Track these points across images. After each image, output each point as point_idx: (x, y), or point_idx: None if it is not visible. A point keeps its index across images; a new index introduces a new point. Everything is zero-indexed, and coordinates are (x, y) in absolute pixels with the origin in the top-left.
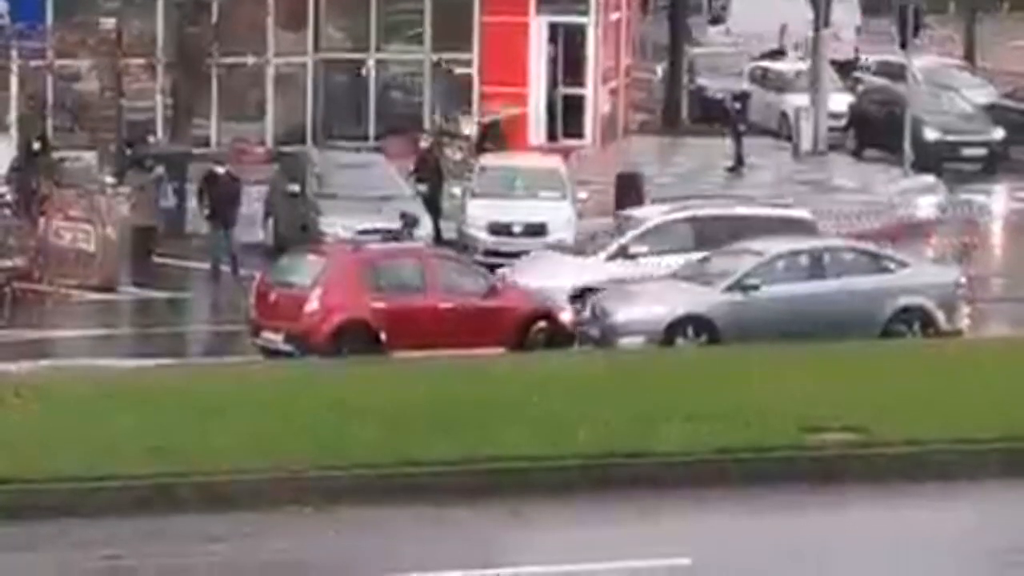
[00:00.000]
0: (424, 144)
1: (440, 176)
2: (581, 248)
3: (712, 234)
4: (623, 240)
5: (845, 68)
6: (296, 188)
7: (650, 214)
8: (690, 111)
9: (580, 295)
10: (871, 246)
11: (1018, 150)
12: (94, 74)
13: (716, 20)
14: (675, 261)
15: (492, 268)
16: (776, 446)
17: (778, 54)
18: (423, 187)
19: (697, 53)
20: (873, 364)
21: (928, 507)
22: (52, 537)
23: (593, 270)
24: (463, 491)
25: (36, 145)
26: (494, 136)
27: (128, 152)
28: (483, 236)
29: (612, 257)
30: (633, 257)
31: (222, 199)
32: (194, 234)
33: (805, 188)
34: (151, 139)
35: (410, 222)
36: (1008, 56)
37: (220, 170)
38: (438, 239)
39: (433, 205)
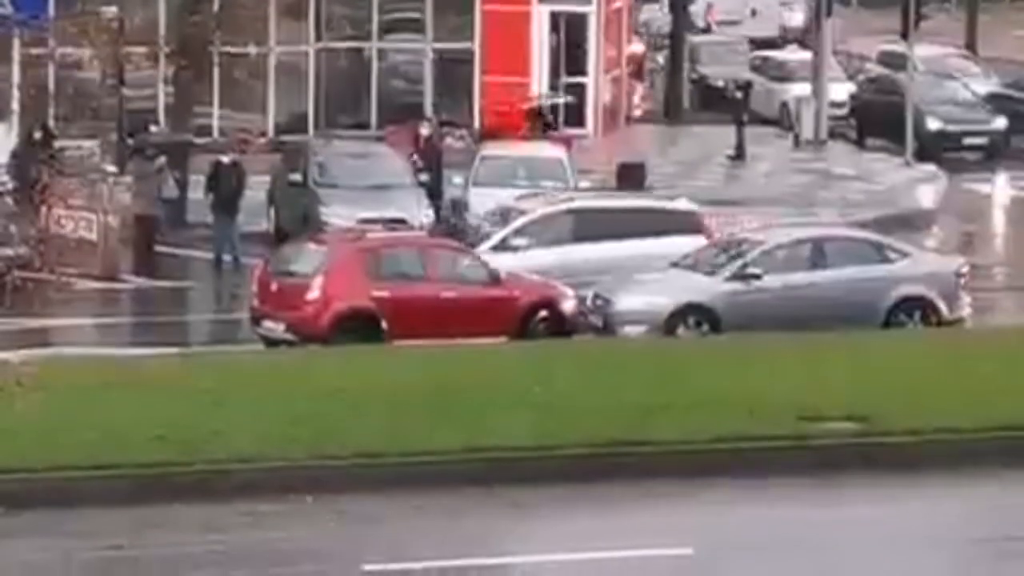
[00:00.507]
0: (425, 132)
1: (440, 165)
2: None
3: (591, 227)
4: (504, 232)
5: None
6: (298, 177)
7: (533, 206)
8: (691, 100)
9: None
10: (873, 235)
11: (1019, 139)
12: (96, 63)
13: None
14: (555, 254)
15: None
16: (777, 435)
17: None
18: (424, 176)
19: (699, 42)
20: (874, 353)
21: (928, 496)
22: (54, 526)
23: None
24: (464, 480)
25: (37, 134)
26: (537, 123)
27: (130, 141)
28: (485, 225)
29: (495, 249)
30: (514, 249)
31: (227, 189)
32: (196, 223)
33: (806, 177)
34: (152, 128)
35: (459, 207)
36: (1010, 45)
37: (225, 159)
38: (439, 228)
39: (434, 194)
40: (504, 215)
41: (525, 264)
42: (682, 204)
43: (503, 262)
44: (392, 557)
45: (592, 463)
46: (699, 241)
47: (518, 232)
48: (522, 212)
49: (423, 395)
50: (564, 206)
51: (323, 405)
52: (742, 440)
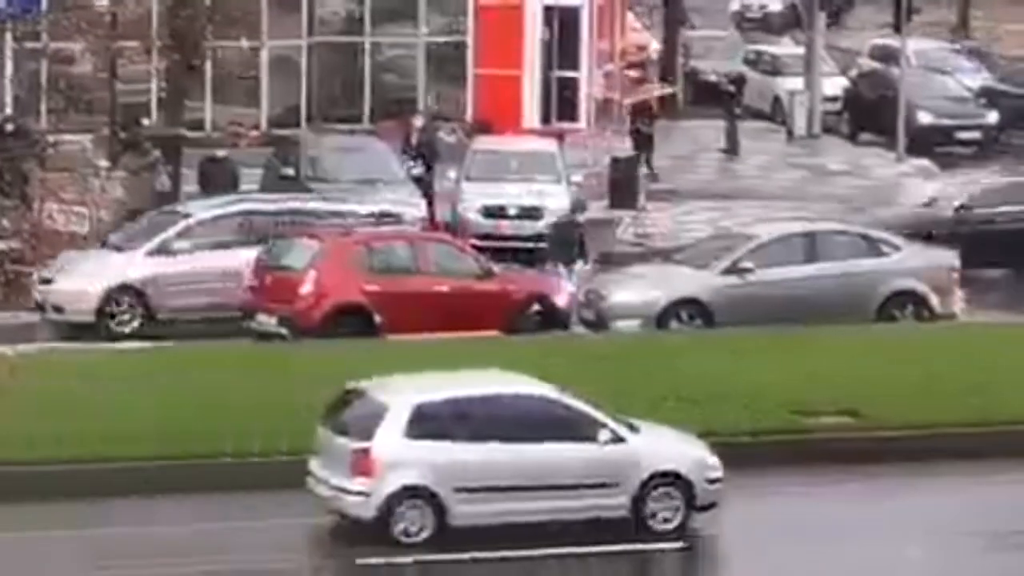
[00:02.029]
0: (417, 125)
1: (434, 159)
2: (123, 244)
3: (263, 228)
4: (166, 235)
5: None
6: (291, 171)
7: (202, 208)
8: (685, 94)
9: (115, 296)
10: (865, 229)
11: (1012, 134)
12: (88, 57)
13: None
14: (223, 256)
15: (485, 251)
16: (770, 429)
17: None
18: (417, 170)
19: (692, 36)
20: (867, 347)
21: (922, 490)
22: (51, 518)
23: (133, 267)
24: None
25: (9, 127)
26: (646, 116)
27: (122, 135)
28: (478, 219)
29: (152, 253)
30: (174, 253)
31: (219, 183)
32: None
33: (799, 172)
34: (145, 122)
35: (578, 207)
36: (1002, 40)
37: (220, 154)
38: (432, 222)
39: (426, 188)
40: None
41: (187, 269)
42: (380, 206)
43: (161, 268)
44: (386, 550)
45: None
46: None
47: (183, 235)
48: (187, 215)
49: None
50: (238, 207)
51: (316, 399)
52: (735, 434)
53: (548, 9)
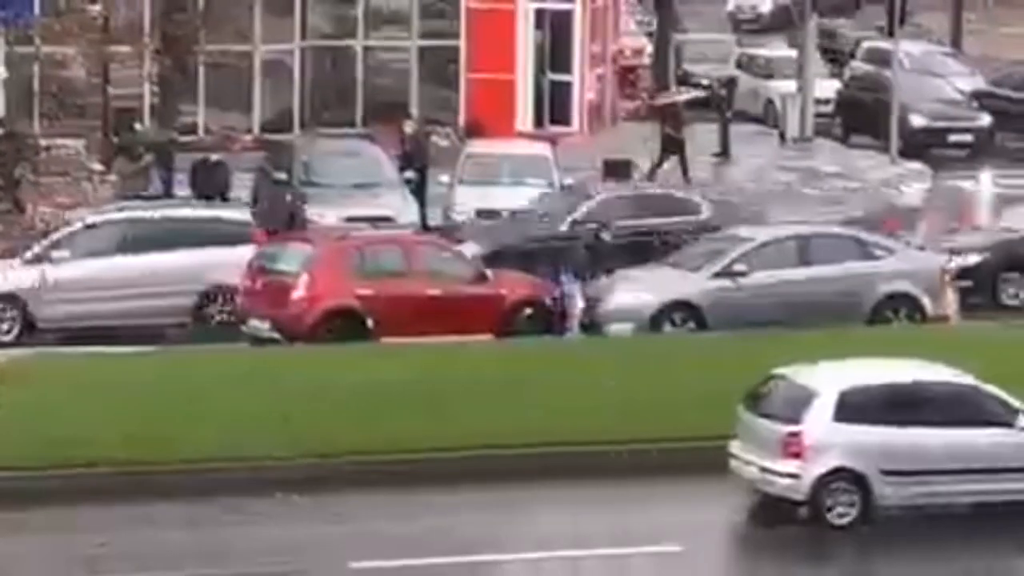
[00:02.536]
0: (409, 131)
1: (426, 163)
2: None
3: (142, 237)
4: (44, 244)
5: None
6: (283, 176)
7: (82, 217)
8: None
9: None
10: (858, 232)
11: (1004, 136)
12: (80, 61)
13: None
14: (100, 265)
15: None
16: None
17: None
18: (410, 174)
19: (684, 39)
20: (859, 350)
21: None
22: (39, 523)
23: (11, 275)
24: (451, 477)
25: (1, 131)
26: (675, 119)
27: (115, 139)
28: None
29: (30, 261)
30: (53, 261)
31: (211, 187)
32: None
33: (792, 174)
34: (137, 126)
35: (605, 226)
36: (996, 43)
37: (213, 158)
38: (424, 226)
39: (420, 192)
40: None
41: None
42: (237, 213)
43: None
44: (379, 554)
45: (579, 461)
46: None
47: (61, 243)
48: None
49: (409, 393)
50: (115, 216)
51: (309, 403)
52: (728, 438)
53: (540, 12)
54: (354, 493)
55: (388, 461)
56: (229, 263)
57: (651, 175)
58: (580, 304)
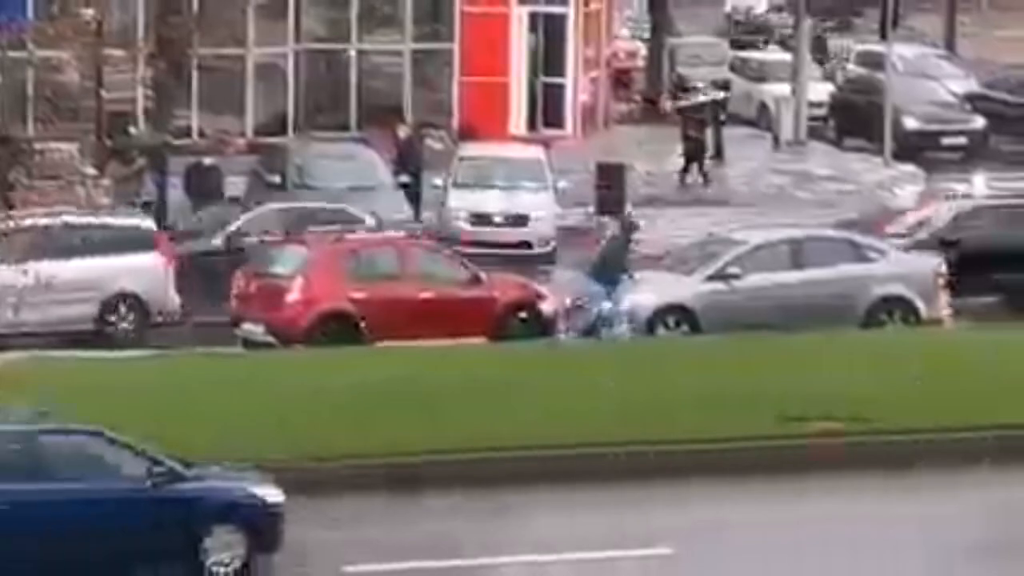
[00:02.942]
0: (402, 134)
1: (420, 166)
2: None
3: (43, 245)
4: None
5: None
6: (277, 179)
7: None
8: (670, 100)
9: None
10: (852, 235)
11: (998, 139)
12: (74, 65)
13: None
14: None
15: (472, 257)
16: (757, 435)
17: None
18: (405, 177)
19: (678, 43)
20: (854, 353)
21: (912, 496)
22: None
23: None
24: (446, 481)
25: None
26: (695, 122)
27: (108, 143)
28: (464, 226)
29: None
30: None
31: (205, 191)
32: (175, 225)
33: (786, 177)
34: (131, 130)
35: (629, 226)
36: (990, 46)
37: (207, 161)
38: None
39: (414, 195)
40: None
41: None
42: (135, 220)
43: None
44: (373, 558)
45: (575, 464)
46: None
47: None
48: None
49: (403, 396)
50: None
51: (303, 406)
52: (722, 440)
53: (534, 16)
54: (350, 496)
55: (384, 464)
56: (132, 270)
57: (682, 180)
58: (605, 306)
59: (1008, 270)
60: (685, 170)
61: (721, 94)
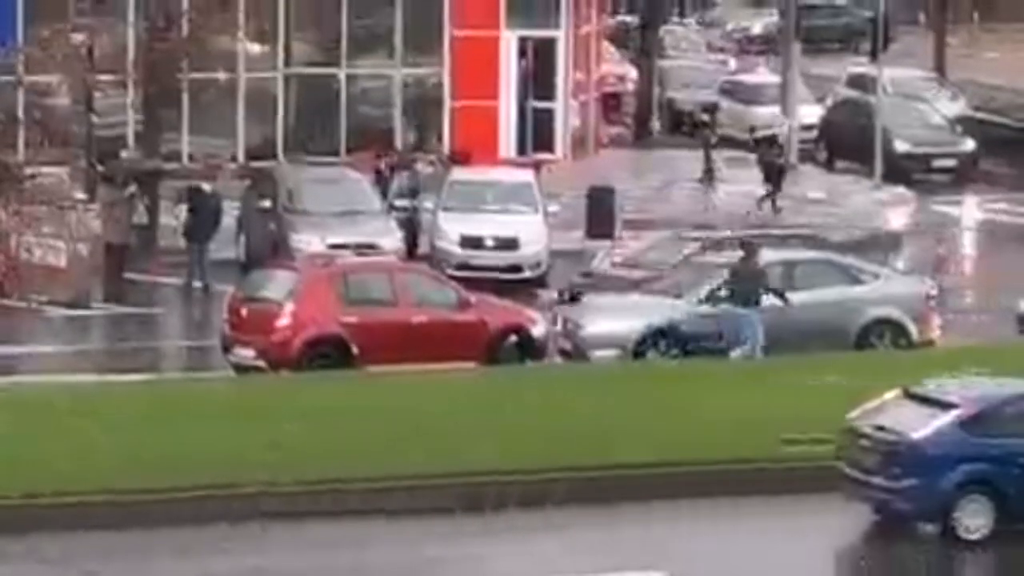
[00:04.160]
0: (387, 160)
1: (417, 190)
2: None
3: None
4: None
5: None
6: (268, 204)
7: None
8: (661, 124)
9: None
10: (843, 258)
11: (988, 162)
12: (64, 89)
13: None
14: None
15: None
16: (753, 457)
17: None
18: (404, 202)
19: (668, 66)
20: (846, 375)
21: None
22: (25, 553)
23: None
24: (435, 505)
25: None
26: (775, 147)
27: (99, 168)
28: (455, 250)
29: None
30: None
31: (204, 215)
32: (166, 250)
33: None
34: (122, 154)
35: (750, 248)
36: (979, 68)
37: (205, 186)
38: (410, 254)
39: (411, 220)
40: None
41: None
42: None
43: None
44: None
45: (565, 486)
46: None
47: None
48: None
49: (394, 421)
50: None
51: (294, 431)
52: (717, 462)
53: (524, 40)
54: (341, 522)
55: (376, 490)
56: None
57: (773, 206)
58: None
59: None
60: (770, 195)
61: (788, 123)
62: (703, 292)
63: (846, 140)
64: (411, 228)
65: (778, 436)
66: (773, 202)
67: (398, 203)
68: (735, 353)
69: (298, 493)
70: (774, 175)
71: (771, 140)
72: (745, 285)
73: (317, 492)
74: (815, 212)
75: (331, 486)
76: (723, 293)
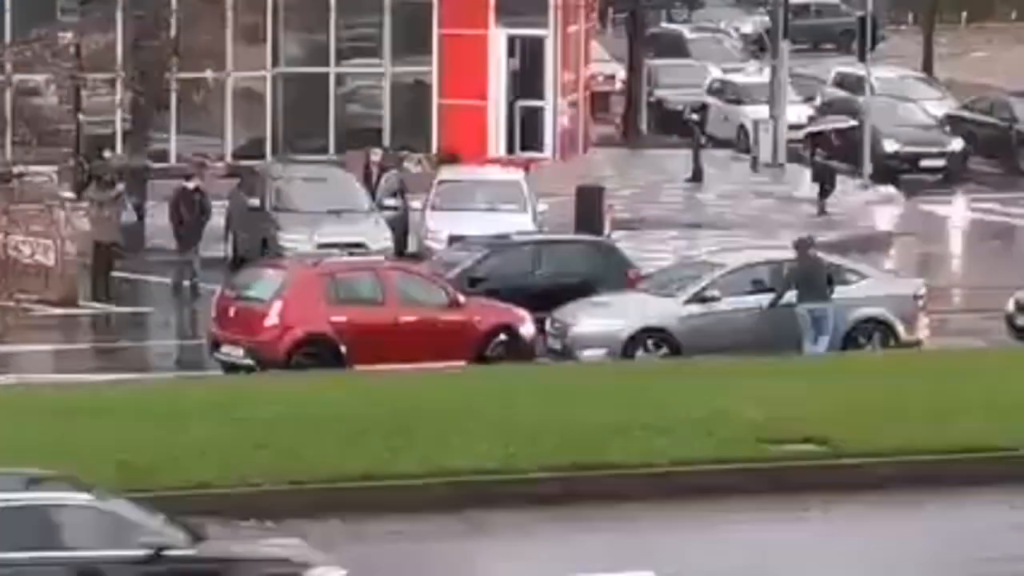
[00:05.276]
0: (374, 159)
1: (405, 189)
2: None
3: None
4: None
5: None
6: (256, 203)
7: None
8: (649, 123)
9: None
10: (831, 257)
11: (976, 161)
12: (52, 88)
13: None
14: None
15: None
16: (736, 457)
17: None
18: (391, 200)
19: (657, 65)
20: (833, 375)
21: (889, 519)
22: None
23: None
24: (426, 505)
25: None
26: (826, 148)
27: (87, 167)
28: (443, 249)
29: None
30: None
31: (191, 214)
32: (154, 249)
33: (765, 200)
34: (108, 154)
35: (804, 244)
36: (967, 67)
37: (190, 185)
38: (400, 252)
39: (401, 220)
40: None
41: None
42: None
43: None
44: None
45: (554, 487)
46: None
47: None
48: None
49: (383, 420)
50: None
51: (283, 430)
52: (701, 462)
53: (512, 39)
54: (329, 520)
55: (364, 488)
56: None
57: (821, 209)
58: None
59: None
60: (824, 195)
61: (849, 121)
62: (692, 292)
63: (834, 140)
64: (401, 227)
65: (761, 436)
66: (823, 204)
67: (387, 202)
68: (813, 347)
69: (284, 492)
70: (827, 176)
71: (823, 136)
72: (810, 280)
73: (303, 492)
74: (803, 212)
75: (318, 485)
76: (790, 295)
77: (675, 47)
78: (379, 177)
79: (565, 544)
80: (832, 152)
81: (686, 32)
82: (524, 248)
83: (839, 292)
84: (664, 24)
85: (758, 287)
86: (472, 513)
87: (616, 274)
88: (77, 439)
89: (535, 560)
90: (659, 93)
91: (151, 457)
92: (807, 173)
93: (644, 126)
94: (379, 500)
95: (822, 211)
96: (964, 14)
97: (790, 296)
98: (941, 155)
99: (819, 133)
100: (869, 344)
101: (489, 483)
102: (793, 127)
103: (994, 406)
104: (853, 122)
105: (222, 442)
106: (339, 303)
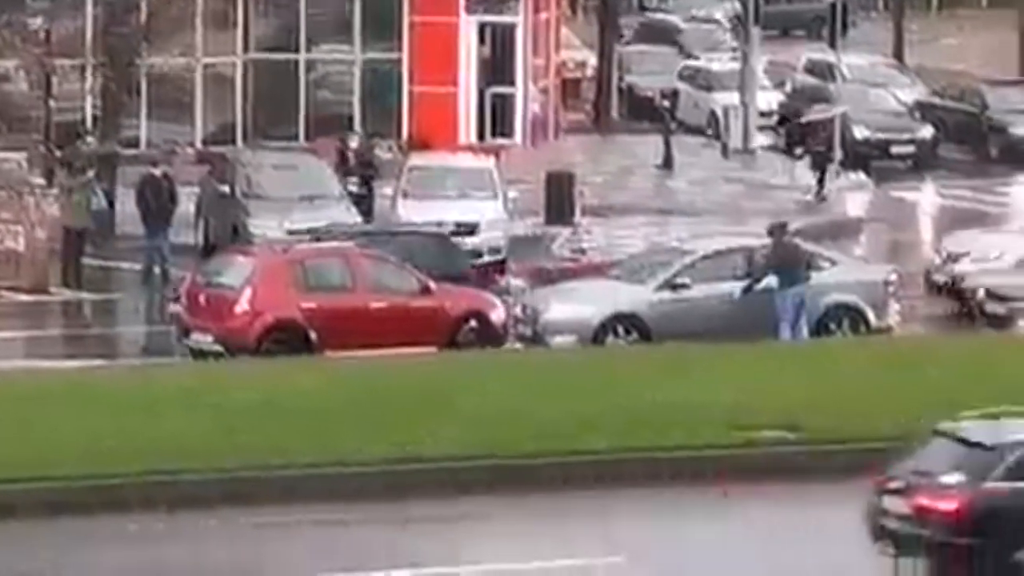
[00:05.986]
0: (353, 144)
1: (374, 175)
2: None
3: None
4: None
5: None
6: (226, 189)
7: None
8: (620, 110)
9: None
10: (802, 244)
11: (946, 148)
12: (22, 74)
13: None
14: None
15: None
16: (707, 444)
17: None
18: (354, 187)
19: (628, 51)
20: (804, 361)
21: (859, 505)
22: None
23: None
24: (395, 490)
25: None
26: (819, 137)
27: (57, 153)
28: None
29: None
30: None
31: (158, 201)
32: (124, 236)
33: (735, 186)
34: (87, 140)
35: (778, 229)
36: (938, 54)
37: (156, 171)
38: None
39: (366, 205)
40: None
41: None
42: None
43: None
44: (321, 569)
45: (523, 473)
46: None
47: None
48: None
49: (353, 406)
50: None
51: (253, 417)
52: (672, 449)
53: (483, 26)
54: (299, 506)
55: (334, 475)
56: None
57: (819, 197)
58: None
59: None
60: (821, 185)
61: (843, 108)
62: (662, 278)
63: (805, 127)
64: (367, 213)
65: (731, 422)
66: (820, 191)
67: (352, 189)
68: (787, 334)
69: (249, 479)
70: (823, 164)
71: (818, 127)
72: (787, 266)
73: (269, 479)
74: (775, 198)
75: (284, 472)
76: (768, 280)
77: (666, 36)
78: (356, 163)
79: (536, 530)
80: (817, 141)
81: (679, 22)
82: (357, 240)
83: (811, 278)
84: (649, 14)
85: (731, 274)
86: (442, 500)
87: (452, 268)
88: (46, 426)
89: (504, 546)
90: (630, 79)
91: (122, 444)
92: (781, 160)
93: (615, 113)
94: (348, 486)
95: (821, 198)
96: (935, 1)
97: (769, 281)
98: (911, 142)
99: (808, 123)
100: (839, 330)
101: (459, 469)
102: (763, 114)
103: (960, 392)
104: (840, 110)
105: (192, 429)
106: (309, 290)
